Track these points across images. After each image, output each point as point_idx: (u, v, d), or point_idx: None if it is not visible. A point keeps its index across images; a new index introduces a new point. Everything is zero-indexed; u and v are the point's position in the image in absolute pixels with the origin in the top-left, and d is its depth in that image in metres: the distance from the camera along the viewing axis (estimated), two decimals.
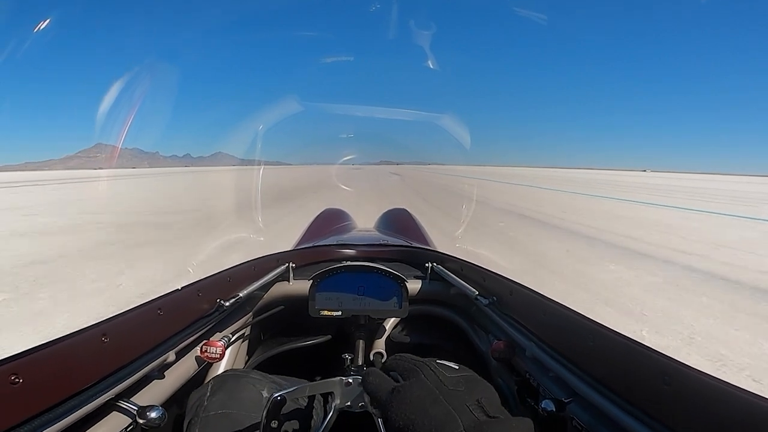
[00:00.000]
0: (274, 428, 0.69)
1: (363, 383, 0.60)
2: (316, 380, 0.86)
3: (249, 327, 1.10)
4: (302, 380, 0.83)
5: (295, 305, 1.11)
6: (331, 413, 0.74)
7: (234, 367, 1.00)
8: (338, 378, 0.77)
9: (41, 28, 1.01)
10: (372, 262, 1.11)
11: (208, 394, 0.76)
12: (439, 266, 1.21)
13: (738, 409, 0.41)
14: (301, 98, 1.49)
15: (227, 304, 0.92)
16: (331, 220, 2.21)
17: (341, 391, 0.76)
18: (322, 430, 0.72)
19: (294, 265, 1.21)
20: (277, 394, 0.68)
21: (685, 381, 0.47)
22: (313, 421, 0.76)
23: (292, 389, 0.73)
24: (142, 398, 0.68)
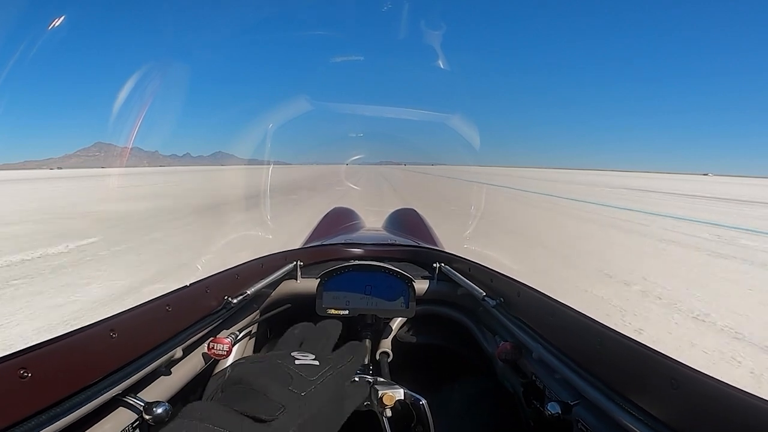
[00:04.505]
0: None
1: None
2: None
3: (256, 325, 1.10)
4: None
5: (303, 303, 1.10)
6: None
7: None
8: None
9: (55, 25, 1.00)
10: (380, 262, 1.10)
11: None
12: (447, 266, 1.20)
13: (748, 414, 0.40)
14: (310, 98, 1.49)
15: (235, 301, 0.92)
16: (339, 219, 2.21)
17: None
18: None
19: (302, 263, 1.22)
20: None
21: (693, 385, 0.46)
22: None
23: None
24: (149, 394, 0.68)
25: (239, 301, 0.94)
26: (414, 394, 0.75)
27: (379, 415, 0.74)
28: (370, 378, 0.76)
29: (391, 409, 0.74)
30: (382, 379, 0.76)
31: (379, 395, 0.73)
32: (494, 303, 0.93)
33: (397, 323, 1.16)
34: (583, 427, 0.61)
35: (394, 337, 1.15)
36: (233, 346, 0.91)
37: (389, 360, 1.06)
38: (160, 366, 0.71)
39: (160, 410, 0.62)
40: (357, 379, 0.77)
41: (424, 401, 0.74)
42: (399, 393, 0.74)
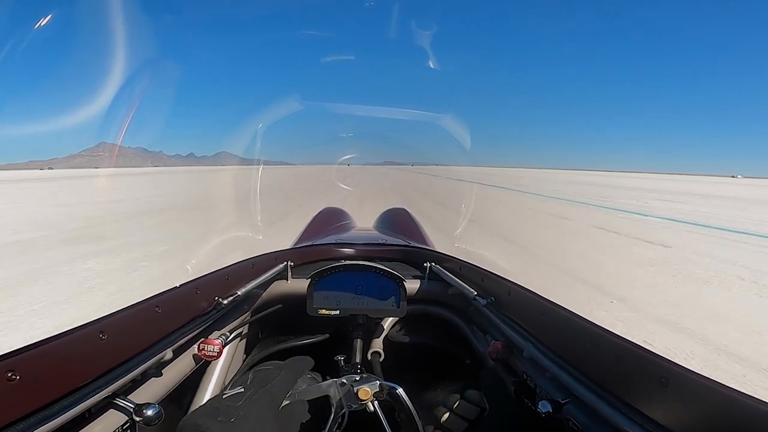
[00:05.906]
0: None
1: None
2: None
3: (247, 325, 1.10)
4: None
5: (294, 304, 1.10)
6: (332, 418, 0.74)
7: (230, 366, 1.00)
8: (332, 380, 0.77)
9: (42, 24, 1.01)
10: (370, 262, 1.10)
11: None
12: (438, 266, 1.21)
13: (734, 411, 0.41)
14: (302, 97, 1.50)
15: (225, 302, 0.92)
16: (330, 219, 2.21)
17: (337, 393, 0.76)
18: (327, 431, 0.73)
19: (292, 263, 1.21)
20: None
21: (681, 382, 0.47)
22: (317, 420, 0.76)
23: (288, 396, 0.74)
24: (139, 396, 0.68)
25: (230, 302, 0.93)
26: (389, 383, 0.76)
27: (378, 412, 0.75)
28: (345, 378, 0.77)
29: (379, 402, 0.75)
30: (357, 377, 0.77)
31: (355, 391, 0.74)
32: (485, 302, 0.93)
33: (388, 323, 1.16)
34: (574, 426, 0.62)
35: (386, 336, 1.15)
36: (224, 347, 0.91)
37: (381, 360, 1.07)
38: (150, 368, 0.71)
39: (150, 412, 0.62)
40: (345, 380, 0.78)
41: (400, 389, 0.75)
42: (374, 386, 0.75)
